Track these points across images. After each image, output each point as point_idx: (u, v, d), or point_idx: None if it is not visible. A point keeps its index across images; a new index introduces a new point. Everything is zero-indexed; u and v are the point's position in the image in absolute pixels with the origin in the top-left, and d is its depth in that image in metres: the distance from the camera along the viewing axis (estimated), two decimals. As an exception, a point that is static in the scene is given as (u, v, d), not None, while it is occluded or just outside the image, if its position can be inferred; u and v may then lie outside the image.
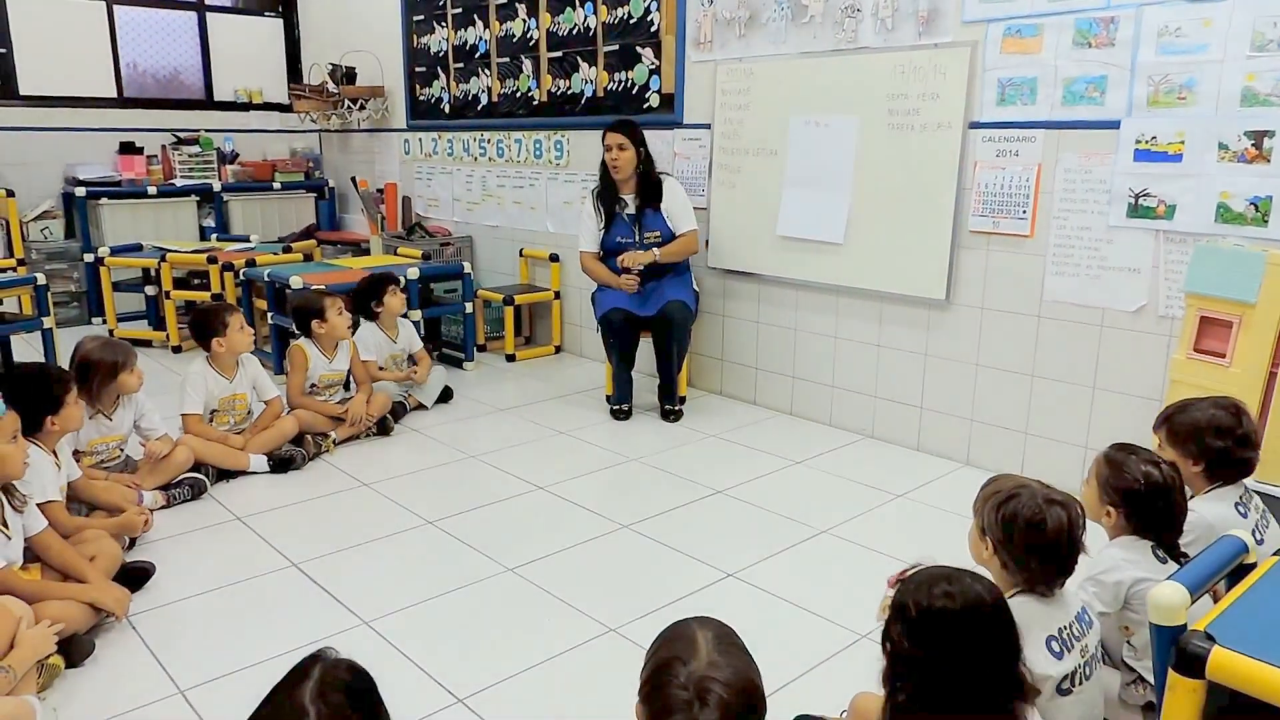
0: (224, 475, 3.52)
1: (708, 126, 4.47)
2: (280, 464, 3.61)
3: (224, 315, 3.57)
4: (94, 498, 2.95)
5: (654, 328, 4.21)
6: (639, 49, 4.74)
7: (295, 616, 2.56)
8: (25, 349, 5.08)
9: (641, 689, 1.31)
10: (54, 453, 2.73)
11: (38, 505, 2.48)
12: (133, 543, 2.94)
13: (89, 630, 2.39)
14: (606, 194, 4.26)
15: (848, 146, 3.91)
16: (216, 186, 6.66)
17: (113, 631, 2.45)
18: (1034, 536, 1.69)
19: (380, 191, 6.56)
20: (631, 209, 4.24)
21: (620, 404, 4.32)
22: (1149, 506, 1.96)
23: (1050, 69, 3.30)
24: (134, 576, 2.68)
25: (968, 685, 1.38)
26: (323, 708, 1.08)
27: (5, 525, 2.34)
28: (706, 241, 4.53)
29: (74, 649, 2.30)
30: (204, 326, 3.57)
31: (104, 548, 2.64)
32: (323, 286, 4.26)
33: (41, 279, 4.64)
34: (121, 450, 3.31)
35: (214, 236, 6.40)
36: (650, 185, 4.23)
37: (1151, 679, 1.92)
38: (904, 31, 3.67)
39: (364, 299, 4.36)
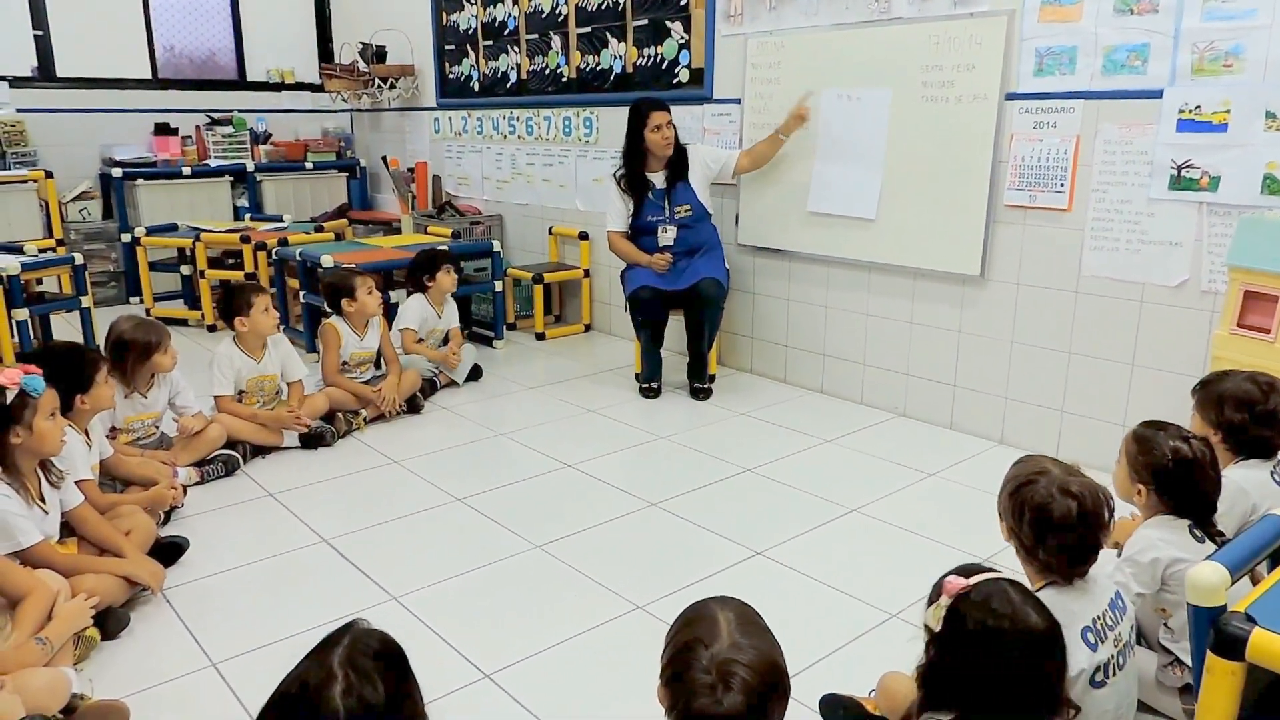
0: (257, 451, 3.56)
1: (738, 101, 4.42)
2: (311, 441, 3.64)
3: (250, 295, 3.58)
4: (128, 473, 2.99)
5: (686, 304, 4.17)
6: (668, 23, 4.69)
7: (326, 591, 2.58)
8: (64, 328, 5.16)
9: (663, 672, 1.30)
10: (85, 432, 2.77)
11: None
12: (167, 518, 2.98)
13: (124, 604, 2.43)
14: (635, 178, 4.19)
15: (880, 120, 3.84)
16: (250, 167, 6.70)
17: (147, 605, 2.49)
18: (1042, 524, 1.65)
19: (411, 170, 6.57)
20: (660, 185, 4.20)
21: (649, 382, 4.30)
22: (1179, 483, 1.91)
23: (1090, 37, 3.21)
24: (168, 551, 2.72)
25: (1008, 704, 1.36)
26: (351, 673, 1.09)
27: (43, 500, 2.38)
28: (736, 218, 4.49)
29: (109, 622, 2.34)
30: (229, 305, 3.59)
31: (139, 523, 2.67)
32: (354, 265, 4.28)
33: (79, 259, 4.69)
34: (157, 427, 3.36)
35: (247, 216, 6.44)
36: (681, 160, 4.19)
37: (1189, 661, 1.89)
38: (938, 1, 3.59)
39: (418, 271, 4.40)
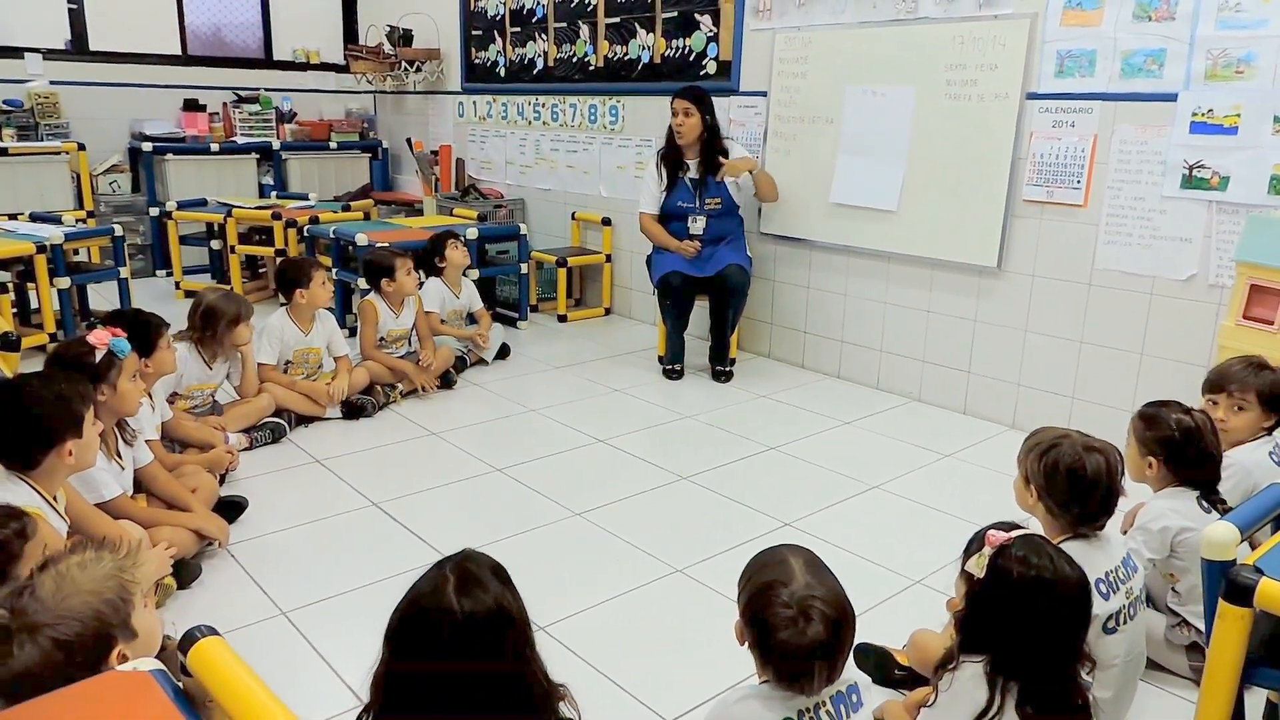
0: (301, 421, 3.71)
1: (764, 94, 4.56)
2: (353, 411, 3.80)
3: (309, 268, 3.74)
4: (186, 436, 3.15)
5: (712, 290, 4.32)
6: (697, 16, 4.82)
7: (381, 549, 2.73)
8: (96, 299, 5.29)
9: (744, 612, 1.44)
10: (149, 394, 2.91)
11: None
12: (221, 481, 3.13)
13: (194, 556, 2.58)
14: (671, 157, 4.37)
15: (904, 116, 3.99)
16: (275, 145, 6.83)
17: (215, 559, 2.65)
18: (1074, 482, 1.82)
19: (434, 153, 6.69)
20: (694, 174, 4.35)
21: (673, 364, 4.45)
22: (1186, 451, 2.09)
23: (1109, 41, 3.36)
24: (229, 509, 2.87)
25: (1037, 650, 1.50)
26: (463, 579, 1.30)
27: (119, 456, 2.53)
28: (759, 208, 4.64)
29: (183, 572, 2.49)
30: (290, 277, 3.74)
31: (203, 481, 2.83)
32: (388, 245, 4.41)
33: (119, 230, 4.83)
34: (212, 396, 3.51)
35: (274, 194, 6.57)
36: (714, 154, 4.32)
37: (1195, 622, 2.06)
38: (964, 2, 3.73)
39: (428, 256, 4.52)
